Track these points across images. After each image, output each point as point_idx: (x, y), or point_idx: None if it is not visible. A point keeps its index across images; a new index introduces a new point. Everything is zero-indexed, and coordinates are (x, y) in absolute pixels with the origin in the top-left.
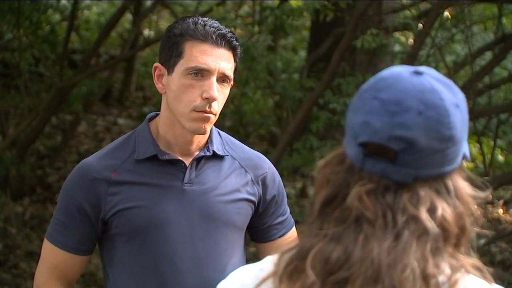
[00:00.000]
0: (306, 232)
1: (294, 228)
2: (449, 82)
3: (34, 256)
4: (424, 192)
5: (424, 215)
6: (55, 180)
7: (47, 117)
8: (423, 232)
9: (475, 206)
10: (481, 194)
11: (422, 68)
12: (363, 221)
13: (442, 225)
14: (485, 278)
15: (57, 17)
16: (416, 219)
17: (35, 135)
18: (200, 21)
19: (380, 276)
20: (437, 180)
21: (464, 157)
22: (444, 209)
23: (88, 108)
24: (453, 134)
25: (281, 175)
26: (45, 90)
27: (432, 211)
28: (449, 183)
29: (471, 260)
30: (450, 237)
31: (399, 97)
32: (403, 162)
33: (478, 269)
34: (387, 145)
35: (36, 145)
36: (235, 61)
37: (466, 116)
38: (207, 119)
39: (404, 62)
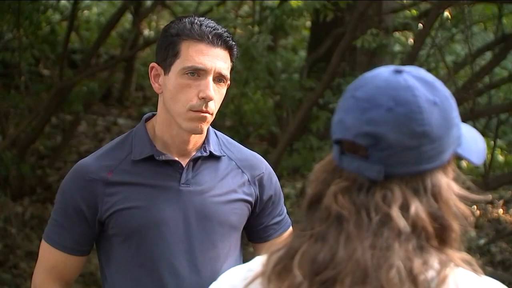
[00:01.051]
0: (295, 233)
1: (291, 228)
2: (432, 80)
3: (34, 256)
4: (398, 190)
5: (395, 213)
6: (55, 180)
7: (47, 117)
8: (399, 231)
9: (465, 205)
10: (471, 194)
11: (406, 68)
12: (343, 220)
13: (417, 223)
14: (474, 271)
15: (57, 17)
16: (389, 217)
17: (35, 135)
18: (196, 21)
19: (367, 277)
20: (415, 178)
21: (458, 156)
22: (417, 206)
23: (88, 108)
24: (427, 130)
25: (281, 175)
26: (45, 90)
27: (404, 209)
28: (427, 181)
29: (460, 254)
30: (429, 235)
31: (371, 94)
32: (375, 159)
33: (467, 262)
34: (355, 141)
35: (36, 145)
36: (231, 60)
37: (449, 114)
38: (203, 119)
39: (404, 62)
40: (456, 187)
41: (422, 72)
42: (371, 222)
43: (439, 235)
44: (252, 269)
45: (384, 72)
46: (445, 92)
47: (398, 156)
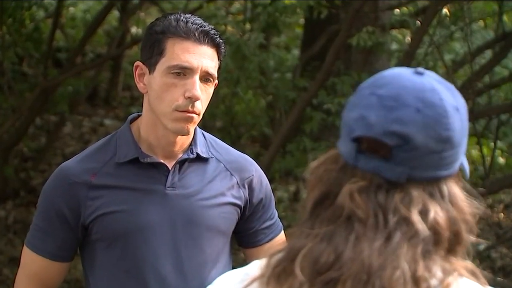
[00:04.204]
0: (297, 233)
1: (282, 232)
2: (451, 85)
3: (17, 262)
4: (417, 194)
5: (415, 217)
6: (39, 183)
7: (31, 118)
8: (414, 234)
9: (470, 216)
10: (477, 205)
11: (425, 70)
12: (354, 220)
13: (434, 228)
14: (478, 280)
15: (41, 14)
16: (407, 220)
17: (18, 137)
18: (182, 17)
19: (370, 277)
20: (432, 183)
21: (461, 168)
22: (436, 212)
23: (74, 108)
24: (451, 136)
25: (274, 178)
26: (29, 90)
27: (424, 213)
28: (444, 188)
29: (464, 263)
30: (441, 241)
31: (397, 93)
32: (398, 160)
33: (471, 271)
34: (382, 140)
35: (19, 147)
36: (219, 59)
37: (465, 122)
38: (190, 119)
39: (401, 60)
40: (464, 197)
41: (439, 77)
42: (388, 224)
43: (449, 243)
44: (249, 273)
45: (404, 71)
46: (462, 98)
47: (422, 159)
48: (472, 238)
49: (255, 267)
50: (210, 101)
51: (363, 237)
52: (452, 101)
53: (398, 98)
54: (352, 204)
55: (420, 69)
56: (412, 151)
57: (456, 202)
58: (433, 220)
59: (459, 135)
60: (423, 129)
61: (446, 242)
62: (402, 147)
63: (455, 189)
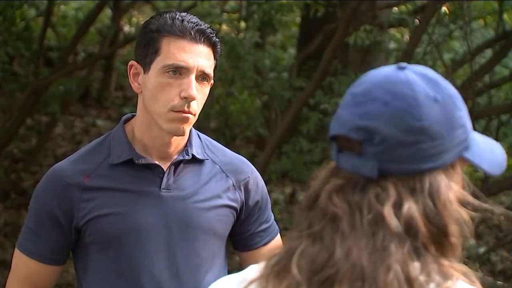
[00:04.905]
0: (294, 234)
1: (278, 235)
2: (435, 78)
3: (7, 265)
4: (393, 189)
5: (386, 211)
6: (30, 185)
7: (21, 118)
8: (391, 230)
9: (458, 210)
10: (475, 201)
11: (410, 65)
12: (338, 220)
13: (409, 223)
14: (474, 284)
15: (32, 12)
16: (382, 216)
17: (9, 137)
18: (177, 16)
19: (365, 278)
20: (413, 178)
21: (464, 160)
22: (410, 206)
23: (65, 108)
24: (425, 126)
25: (270, 180)
26: (19, 90)
27: (397, 207)
28: (425, 181)
29: (459, 266)
30: (422, 237)
31: (368, 89)
32: (369, 155)
33: (467, 275)
34: (349, 136)
35: (10, 148)
36: (215, 58)
37: (453, 113)
38: (185, 120)
39: (399, 60)
40: (458, 191)
41: (427, 70)
42: (363, 221)
43: (436, 240)
44: (247, 277)
45: (386, 69)
46: (450, 90)
47: (393, 152)
48: (467, 233)
49: (253, 271)
50: (205, 101)
51: (348, 237)
52: (429, 92)
53: (368, 93)
54: (331, 204)
55: (403, 64)
56: (381, 144)
57: (438, 194)
58: (407, 214)
59: (440, 125)
60: (389, 121)
61: (428, 237)
62: (369, 141)
63: (441, 182)
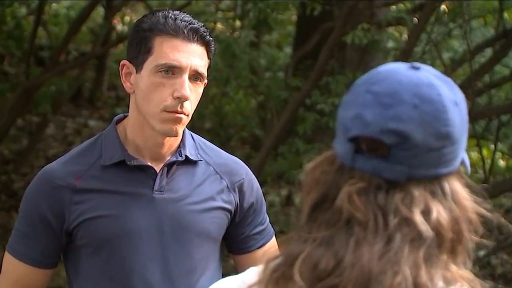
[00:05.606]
0: (295, 238)
1: (274, 238)
2: (448, 79)
3: None
4: (419, 193)
5: (418, 217)
6: (21, 187)
7: (12, 119)
8: (416, 236)
9: (474, 214)
10: (481, 202)
11: (421, 64)
12: (354, 224)
13: (436, 229)
14: None
15: (23, 11)
16: (409, 221)
17: None
18: (170, 14)
19: (370, 284)
20: (433, 182)
21: (462, 163)
22: (439, 212)
23: (57, 109)
24: (451, 132)
25: (265, 181)
26: (10, 90)
27: (426, 213)
28: (446, 186)
29: (464, 272)
30: (444, 243)
31: (393, 90)
32: (397, 159)
33: (471, 281)
34: (379, 139)
35: (0, 149)
36: (208, 57)
37: (465, 116)
38: (179, 120)
39: (397, 59)
40: (467, 194)
41: (436, 71)
42: (388, 225)
43: (451, 245)
44: (246, 280)
45: (400, 67)
46: (460, 92)
47: (421, 157)
48: (474, 238)
49: (252, 273)
50: (199, 101)
51: (363, 241)
52: (451, 96)
53: (394, 95)
54: (351, 206)
55: (417, 64)
56: (411, 149)
57: (459, 200)
58: (436, 220)
59: (459, 130)
60: (421, 125)
61: (448, 244)
62: (401, 146)
63: (457, 187)
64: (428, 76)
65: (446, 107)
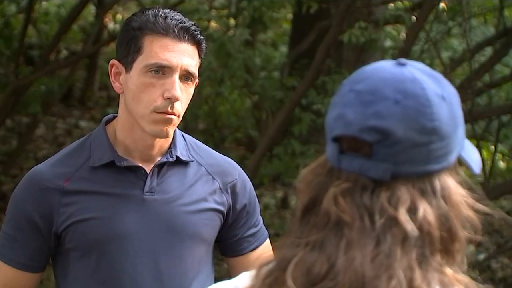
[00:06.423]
0: (288, 242)
1: (268, 240)
2: (437, 74)
3: None
4: (405, 191)
5: (403, 216)
6: (10, 189)
7: (1, 119)
8: (405, 236)
9: (469, 210)
10: (479, 198)
11: (407, 61)
12: (343, 226)
13: (424, 228)
14: None
15: (12, 9)
16: (395, 220)
17: None
18: (161, 13)
19: (364, 287)
20: (422, 179)
21: (462, 160)
22: (425, 209)
23: (47, 109)
24: (437, 126)
25: (260, 183)
26: None
27: (412, 211)
28: (436, 183)
29: (461, 276)
30: (434, 242)
31: (375, 87)
32: (380, 157)
33: (467, 286)
34: (360, 137)
35: None
36: (200, 57)
37: (456, 111)
38: (169, 121)
39: (395, 58)
40: (463, 192)
41: (426, 67)
42: (375, 226)
43: (444, 246)
44: (238, 286)
45: (385, 64)
46: (451, 87)
47: (406, 153)
48: (472, 236)
49: (245, 279)
50: (191, 101)
51: (354, 243)
52: (436, 90)
53: (376, 92)
54: (337, 208)
55: (403, 60)
56: (394, 145)
57: (450, 196)
58: (422, 218)
59: (448, 125)
60: (403, 121)
61: (439, 242)
62: (383, 142)
63: (449, 183)
64: (412, 71)
65: (430, 101)
